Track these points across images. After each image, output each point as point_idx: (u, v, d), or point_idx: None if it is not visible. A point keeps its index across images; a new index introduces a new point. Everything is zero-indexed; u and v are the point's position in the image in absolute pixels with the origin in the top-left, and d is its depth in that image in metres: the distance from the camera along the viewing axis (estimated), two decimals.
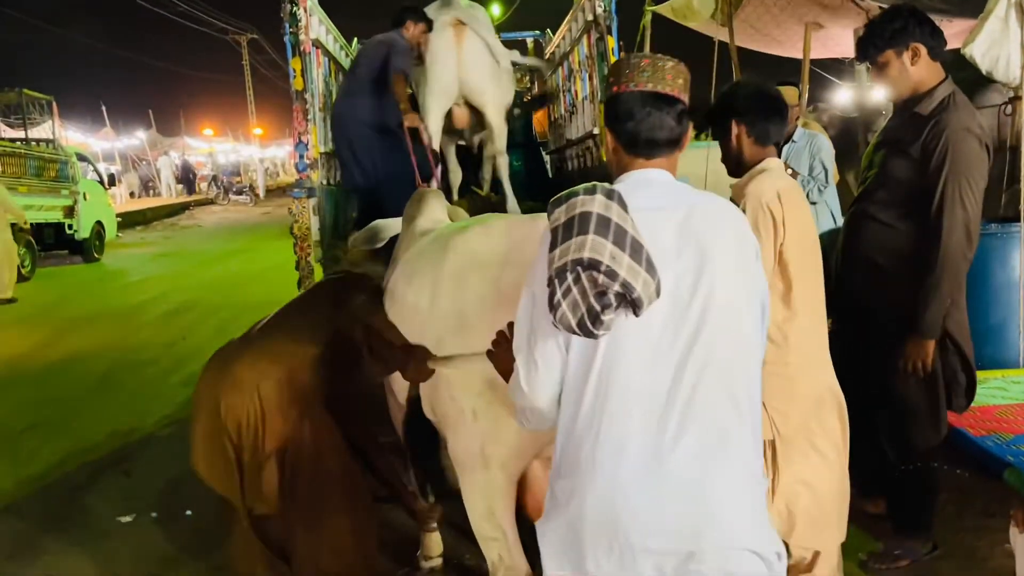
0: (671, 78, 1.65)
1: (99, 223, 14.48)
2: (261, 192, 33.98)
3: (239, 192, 31.73)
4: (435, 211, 3.09)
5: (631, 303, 1.42)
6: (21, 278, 11.49)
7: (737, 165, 2.56)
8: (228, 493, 2.67)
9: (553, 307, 1.45)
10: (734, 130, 2.50)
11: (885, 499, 3.14)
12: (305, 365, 2.63)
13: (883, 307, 2.83)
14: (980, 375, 4.14)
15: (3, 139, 13.94)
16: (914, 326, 2.75)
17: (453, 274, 2.35)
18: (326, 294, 3.06)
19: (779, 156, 3.76)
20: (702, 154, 9.00)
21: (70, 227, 12.69)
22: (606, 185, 1.51)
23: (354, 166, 4.84)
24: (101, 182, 15.47)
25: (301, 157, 4.40)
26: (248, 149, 41.28)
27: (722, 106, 2.57)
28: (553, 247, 1.47)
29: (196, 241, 18.31)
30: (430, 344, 2.36)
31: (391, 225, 3.37)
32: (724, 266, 1.56)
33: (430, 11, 5.08)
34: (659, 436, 1.49)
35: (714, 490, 1.49)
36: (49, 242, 13.50)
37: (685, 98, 1.68)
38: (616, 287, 1.41)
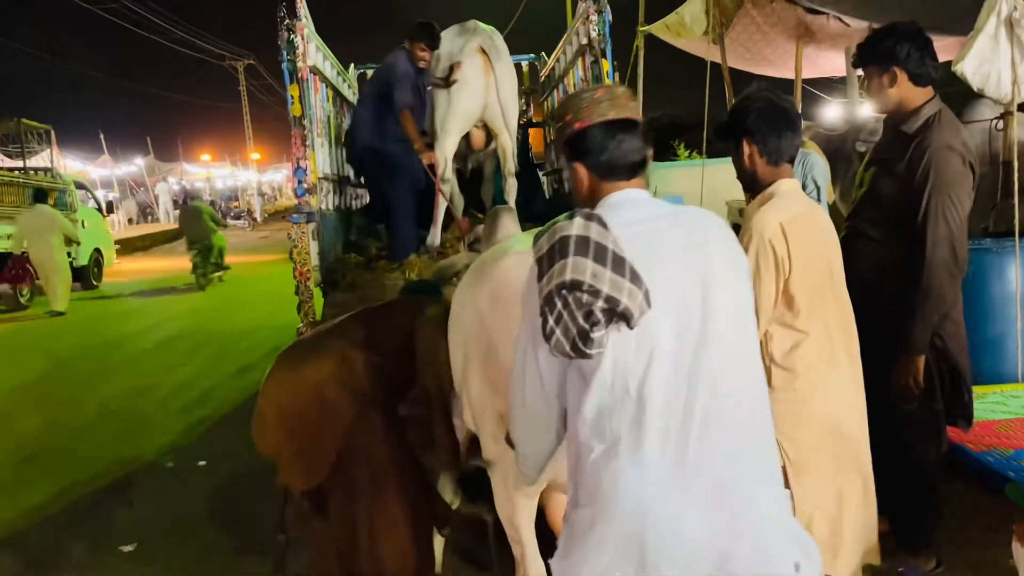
0: (626, 102, 1.71)
1: (97, 250, 14.57)
2: (259, 217, 34.07)
3: (237, 217, 31.83)
4: (508, 227, 3.17)
5: (620, 316, 1.44)
6: (20, 306, 11.90)
7: (752, 184, 2.52)
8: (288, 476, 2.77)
9: (547, 335, 1.47)
10: (746, 150, 2.45)
11: (889, 517, 3.13)
12: (366, 371, 2.71)
13: (877, 324, 2.85)
14: (978, 390, 4.16)
15: (2, 169, 14.09)
16: (902, 342, 2.77)
17: (488, 299, 2.36)
18: (399, 310, 3.09)
19: None
20: (697, 172, 9.08)
21: (69, 254, 12.54)
22: (581, 210, 1.54)
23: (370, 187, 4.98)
24: (99, 209, 15.59)
25: (300, 182, 4.42)
26: (246, 174, 41.42)
27: (733, 123, 2.49)
28: (540, 277, 1.50)
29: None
30: (474, 364, 2.38)
31: (459, 261, 3.48)
32: (723, 272, 1.58)
33: (450, 35, 5.13)
34: (681, 453, 1.47)
35: (741, 505, 1.47)
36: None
37: (640, 119, 1.74)
38: (600, 303, 1.42)
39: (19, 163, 15.26)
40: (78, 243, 12.16)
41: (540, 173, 7.58)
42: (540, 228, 1.55)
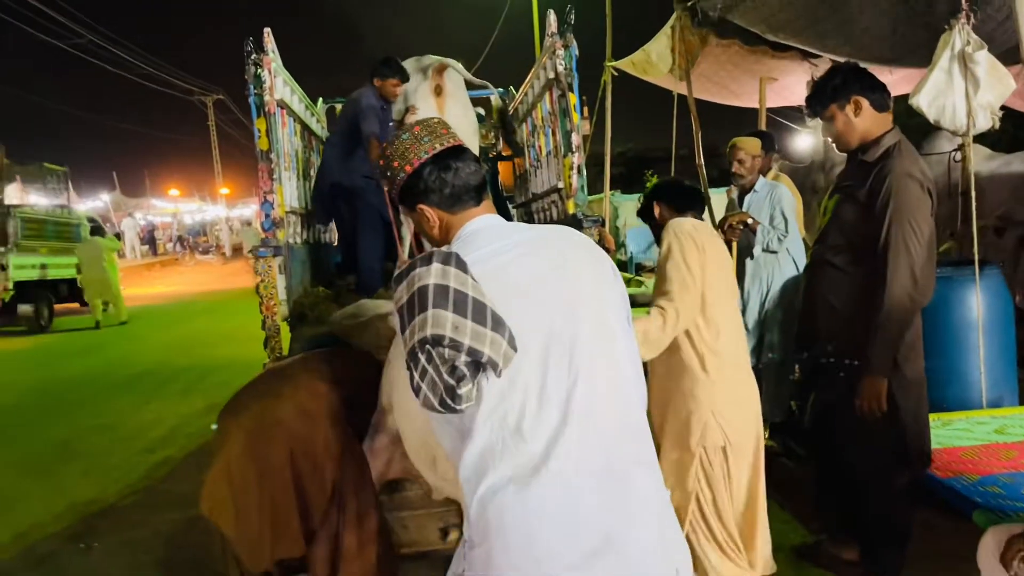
0: (445, 131, 1.71)
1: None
2: (227, 251, 33.78)
3: (205, 251, 31.54)
4: None
5: (484, 367, 1.41)
6: (40, 329, 13.58)
7: (657, 230, 3.05)
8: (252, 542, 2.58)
9: (415, 390, 1.43)
10: (656, 209, 3.07)
11: (858, 545, 3.14)
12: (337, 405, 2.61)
13: (842, 350, 2.88)
14: (944, 416, 4.21)
15: (25, 207, 15.28)
16: (864, 365, 2.80)
17: None
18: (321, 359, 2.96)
19: (740, 206, 4.07)
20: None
21: (80, 282, 13.87)
22: (443, 250, 1.50)
23: (330, 219, 4.98)
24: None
25: (267, 216, 4.38)
26: (215, 209, 41.14)
27: (649, 198, 3.12)
28: (403, 329, 1.46)
29: (160, 302, 18.15)
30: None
31: (375, 306, 3.38)
32: (588, 287, 1.58)
33: (408, 65, 5.17)
34: (564, 479, 1.45)
35: (625, 523, 1.47)
36: (63, 295, 14.77)
37: (463, 143, 1.73)
38: (463, 357, 1.39)
39: (40, 201, 17.50)
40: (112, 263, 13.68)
41: (510, 206, 7.62)
42: (399, 272, 1.51)
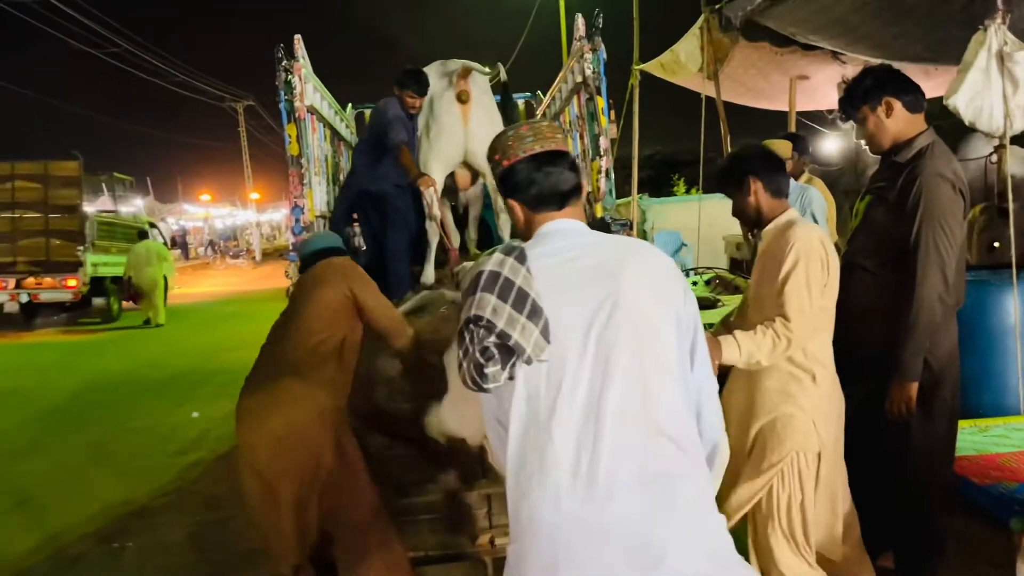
0: (551, 135, 1.76)
1: (164, 277, 16.29)
2: (258, 255, 34.19)
3: (235, 256, 31.94)
4: None
5: (512, 351, 1.47)
6: (110, 319, 15.34)
7: (757, 218, 2.77)
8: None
9: (459, 365, 1.52)
10: (752, 186, 2.71)
11: (893, 552, 3.08)
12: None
13: (873, 353, 2.84)
14: (981, 423, 4.14)
15: (103, 211, 17.39)
16: (894, 368, 2.76)
17: None
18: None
19: None
20: (693, 207, 9.11)
21: (133, 281, 14.94)
22: (512, 243, 1.60)
23: (349, 223, 5.01)
24: (165, 243, 18.42)
25: (297, 220, 4.43)
26: (245, 214, 41.64)
27: (737, 166, 2.80)
28: (460, 311, 1.56)
29: (193, 305, 18.43)
30: None
31: (438, 298, 3.69)
32: (633, 293, 1.56)
33: (432, 71, 5.20)
34: (591, 483, 1.44)
35: (659, 533, 1.43)
36: (129, 294, 15.78)
37: (567, 149, 1.79)
38: (493, 338, 1.47)
39: (110, 206, 19.33)
40: (170, 265, 15.46)
41: None
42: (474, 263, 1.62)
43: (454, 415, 2.52)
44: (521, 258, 1.55)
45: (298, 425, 2.70)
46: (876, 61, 5.02)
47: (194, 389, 8.37)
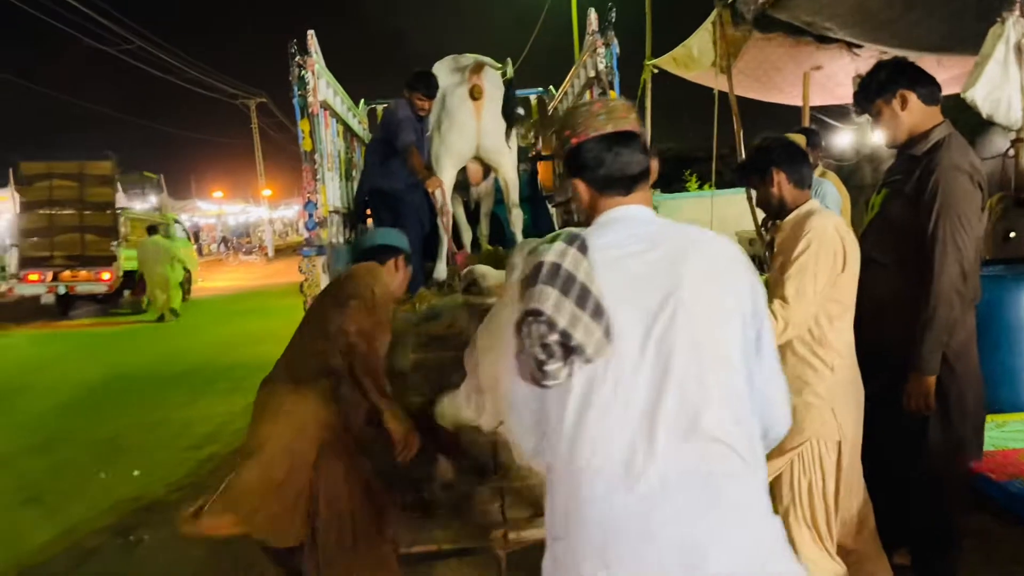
0: (624, 115, 1.69)
1: (186, 270, 17.55)
2: (270, 251, 34.34)
3: (248, 252, 32.09)
4: None
5: (574, 351, 1.43)
6: (140, 310, 16.06)
7: (780, 208, 2.78)
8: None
9: (517, 358, 1.48)
10: (776, 177, 2.74)
11: (909, 549, 3.06)
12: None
13: (889, 349, 2.82)
14: (998, 418, 4.10)
15: (131, 209, 18.63)
16: (912, 363, 2.74)
17: None
18: None
19: None
20: (706, 202, 9.07)
21: (138, 276, 16.03)
22: (572, 230, 1.53)
23: (376, 223, 5.12)
24: (188, 238, 20.33)
25: (310, 216, 4.44)
26: (257, 210, 41.79)
27: (760, 157, 2.82)
28: (520, 298, 1.50)
29: (206, 302, 18.56)
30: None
31: (493, 273, 3.80)
32: (703, 297, 1.52)
33: (444, 66, 5.20)
34: (643, 482, 1.42)
35: (706, 534, 1.41)
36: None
37: (640, 131, 1.72)
38: (555, 336, 1.42)
39: (134, 204, 20.76)
40: (183, 264, 15.92)
41: (549, 205, 7.61)
42: (535, 244, 1.55)
43: (472, 405, 2.50)
44: (583, 249, 1.49)
45: (282, 437, 2.74)
46: (892, 52, 4.99)
47: (210, 384, 8.42)
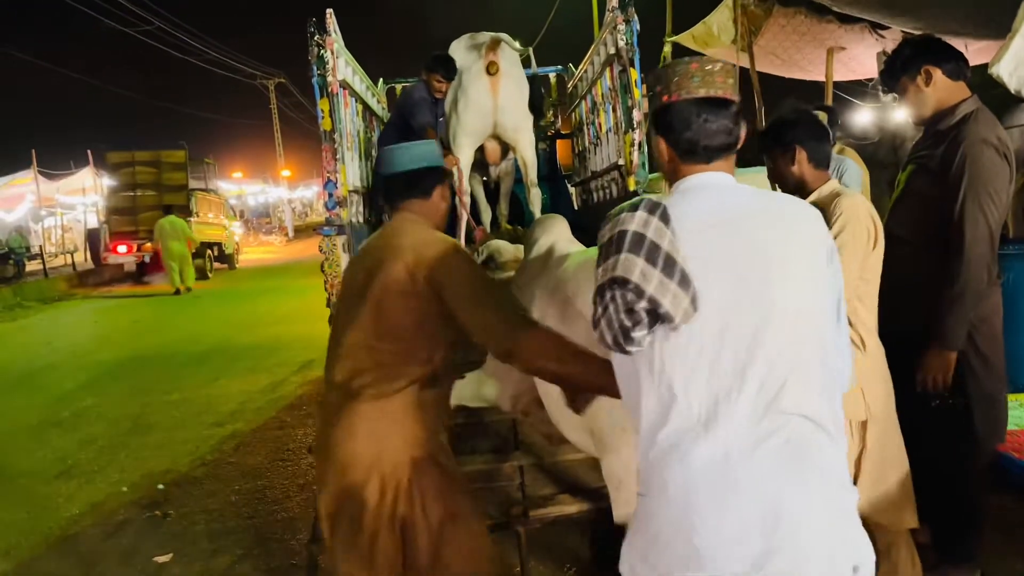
0: (721, 80, 1.63)
1: (236, 243, 21.73)
2: (290, 232, 34.49)
3: (268, 232, 32.25)
4: (555, 234, 3.28)
5: (662, 318, 1.44)
6: (203, 275, 18.47)
7: (798, 188, 2.68)
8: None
9: (595, 324, 1.49)
10: (798, 155, 2.66)
11: (931, 527, 3.05)
12: None
13: (908, 325, 2.79)
14: (1020, 397, 4.06)
15: (195, 189, 20.56)
16: (935, 336, 2.71)
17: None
18: None
19: None
20: None
21: (224, 246, 21.44)
22: (652, 198, 1.52)
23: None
24: (234, 216, 23.41)
25: (330, 195, 4.45)
26: (277, 191, 41.93)
27: (784, 132, 2.71)
28: (598, 265, 1.51)
29: (227, 281, 18.81)
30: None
31: (510, 248, 3.88)
32: (790, 267, 1.52)
33: (460, 44, 5.19)
34: (727, 451, 1.45)
35: (790, 507, 1.42)
36: (215, 256, 20.98)
37: (737, 98, 1.66)
38: (643, 303, 1.43)
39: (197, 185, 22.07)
40: (196, 241, 17.49)
41: (568, 184, 7.58)
42: (611, 212, 1.54)
43: (494, 382, 2.51)
44: (665, 218, 1.47)
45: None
46: (915, 33, 4.91)
47: (230, 364, 8.51)
